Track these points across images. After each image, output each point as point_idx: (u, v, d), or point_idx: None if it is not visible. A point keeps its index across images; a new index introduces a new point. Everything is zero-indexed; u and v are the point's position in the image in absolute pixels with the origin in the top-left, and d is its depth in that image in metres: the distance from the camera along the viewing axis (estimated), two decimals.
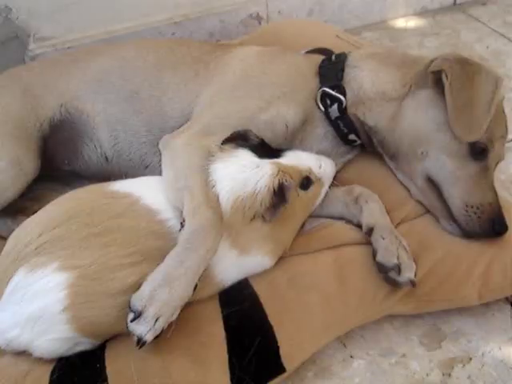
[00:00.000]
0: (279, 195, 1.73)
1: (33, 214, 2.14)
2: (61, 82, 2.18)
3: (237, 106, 1.97)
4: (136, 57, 2.22)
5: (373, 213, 1.91)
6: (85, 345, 1.62)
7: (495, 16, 3.67)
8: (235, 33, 3.08)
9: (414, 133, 1.94)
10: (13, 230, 2.04)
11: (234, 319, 1.71)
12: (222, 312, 1.72)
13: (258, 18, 3.14)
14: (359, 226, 1.94)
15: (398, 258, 1.78)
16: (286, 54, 2.17)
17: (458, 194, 1.87)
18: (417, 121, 1.93)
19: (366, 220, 1.90)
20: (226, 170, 1.77)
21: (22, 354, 1.63)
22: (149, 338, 1.51)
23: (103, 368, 1.59)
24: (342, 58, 2.11)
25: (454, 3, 3.77)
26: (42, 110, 2.13)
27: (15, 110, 2.10)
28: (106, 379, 1.56)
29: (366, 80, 2.03)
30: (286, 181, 1.74)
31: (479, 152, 1.85)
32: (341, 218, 2.00)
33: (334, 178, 2.00)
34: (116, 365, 1.60)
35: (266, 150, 1.85)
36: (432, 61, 1.89)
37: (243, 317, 1.72)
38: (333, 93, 2.02)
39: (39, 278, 1.55)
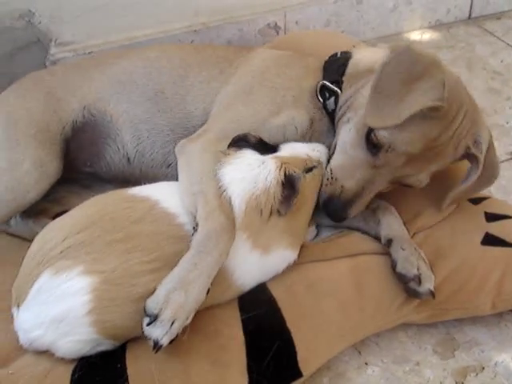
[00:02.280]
0: (289, 187, 1.76)
1: (54, 216, 2.18)
2: (84, 85, 2.21)
3: (250, 110, 2.01)
4: (160, 57, 2.25)
5: (391, 225, 1.94)
6: (106, 345, 1.64)
7: (510, 30, 3.69)
8: (253, 42, 3.11)
9: (360, 97, 1.95)
10: (35, 231, 2.07)
11: (253, 323, 1.73)
12: (241, 316, 1.74)
13: (276, 28, 3.17)
14: (376, 237, 1.97)
15: (418, 269, 1.81)
16: (303, 57, 2.20)
17: (333, 158, 1.93)
18: (364, 93, 1.91)
19: (385, 232, 1.93)
20: (234, 172, 1.80)
21: (44, 353, 1.65)
22: (165, 341, 1.52)
23: (124, 368, 1.60)
24: (346, 55, 2.13)
25: (469, 17, 3.79)
26: (65, 113, 2.15)
27: (38, 113, 2.12)
28: (126, 379, 1.58)
29: (362, 70, 2.04)
30: (293, 171, 1.77)
31: (372, 144, 1.81)
32: (357, 230, 2.03)
33: None
34: (137, 365, 1.62)
35: (265, 147, 1.89)
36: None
37: (262, 321, 1.74)
38: (331, 86, 2.03)
39: (64, 281, 1.57)
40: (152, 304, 1.54)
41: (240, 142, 1.88)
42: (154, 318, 1.53)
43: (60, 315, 1.57)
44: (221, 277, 1.68)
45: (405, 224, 1.97)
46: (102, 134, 2.17)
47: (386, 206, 1.99)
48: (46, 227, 1.76)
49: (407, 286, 1.81)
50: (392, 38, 3.57)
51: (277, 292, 1.80)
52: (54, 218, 2.17)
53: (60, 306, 1.57)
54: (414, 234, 1.99)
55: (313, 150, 1.94)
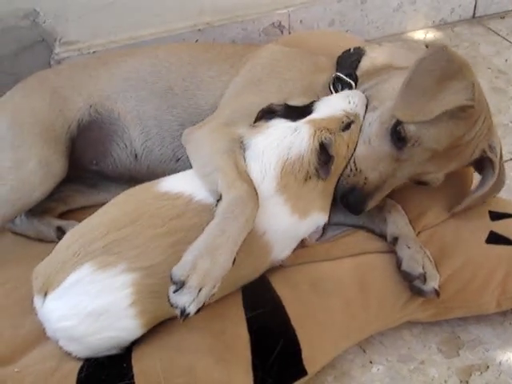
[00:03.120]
0: (324, 153, 1.77)
1: (59, 215, 2.19)
2: (90, 83, 2.21)
3: (258, 98, 1.99)
4: (170, 55, 2.25)
5: (397, 223, 1.93)
6: (117, 350, 1.65)
7: None
8: (257, 41, 3.10)
9: (384, 89, 1.96)
10: (39, 230, 2.11)
11: (258, 322, 1.73)
12: (246, 314, 1.74)
13: (280, 27, 3.17)
14: (381, 235, 1.97)
15: (423, 267, 1.81)
16: (313, 55, 2.21)
17: (357, 149, 1.90)
18: (394, 83, 1.92)
19: (391, 230, 1.92)
20: (268, 139, 1.79)
21: (50, 351, 1.66)
22: (192, 309, 1.49)
23: (130, 367, 1.61)
24: (359, 50, 2.14)
25: (473, 16, 3.79)
26: (71, 112, 2.15)
27: (43, 112, 2.12)
28: (132, 377, 1.58)
29: (378, 66, 2.06)
30: (325, 138, 1.77)
31: (397, 137, 1.81)
32: (362, 228, 2.02)
33: None
34: (142, 364, 1.62)
35: (296, 111, 1.88)
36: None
37: (266, 320, 1.75)
38: (344, 77, 2.03)
39: (107, 277, 1.57)
40: (179, 271, 1.51)
41: (267, 116, 1.88)
42: (180, 285, 1.49)
43: (101, 308, 1.58)
44: (260, 248, 1.72)
45: (410, 222, 1.97)
46: (108, 131, 2.17)
47: (393, 204, 1.99)
48: (78, 225, 1.77)
49: (412, 285, 1.82)
50: (396, 37, 3.56)
51: (281, 291, 1.81)
52: (59, 217, 2.20)
53: (101, 300, 1.57)
54: (419, 232, 1.99)
55: (349, 103, 1.91)
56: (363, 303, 1.84)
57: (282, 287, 1.82)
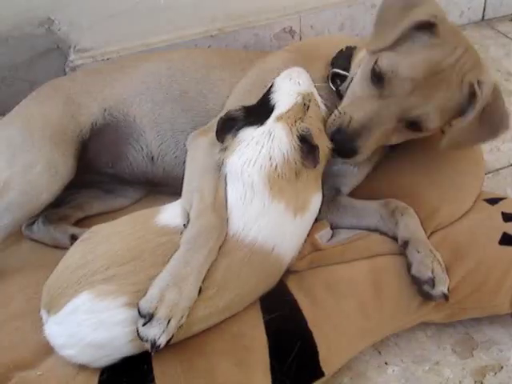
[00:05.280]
0: (306, 145, 1.76)
1: (76, 221, 2.21)
2: (105, 88, 2.24)
3: None
4: (185, 58, 2.29)
5: (408, 226, 1.94)
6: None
7: None
8: (268, 46, 3.13)
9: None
10: (56, 237, 2.13)
11: (275, 324, 1.76)
12: (264, 317, 1.76)
13: (291, 32, 3.19)
14: (394, 238, 1.97)
15: (432, 272, 1.82)
16: (315, 61, 2.19)
17: (343, 101, 1.94)
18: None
19: (402, 233, 1.93)
20: (243, 158, 1.76)
21: None
22: (163, 340, 1.53)
23: (151, 369, 1.63)
24: (351, 47, 2.14)
25: (482, 19, 3.80)
26: (84, 117, 2.18)
27: (56, 118, 2.14)
28: (153, 380, 1.61)
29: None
30: (303, 130, 1.77)
31: (375, 76, 1.84)
32: (376, 231, 2.03)
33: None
34: (163, 366, 1.64)
35: (256, 111, 1.86)
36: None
37: (284, 322, 1.77)
38: (341, 72, 2.05)
39: (106, 309, 1.59)
40: (146, 304, 1.55)
41: (229, 126, 1.84)
42: (149, 318, 1.53)
43: (100, 342, 1.60)
44: (273, 263, 1.76)
45: (422, 223, 1.98)
46: (124, 134, 2.21)
47: (405, 207, 2.00)
48: (86, 241, 1.77)
49: (421, 289, 1.83)
50: None
51: (298, 294, 1.83)
52: (76, 223, 2.22)
53: (100, 334, 1.59)
54: (432, 233, 2.01)
55: (298, 85, 1.89)
56: (378, 305, 1.87)
57: (298, 290, 1.85)
